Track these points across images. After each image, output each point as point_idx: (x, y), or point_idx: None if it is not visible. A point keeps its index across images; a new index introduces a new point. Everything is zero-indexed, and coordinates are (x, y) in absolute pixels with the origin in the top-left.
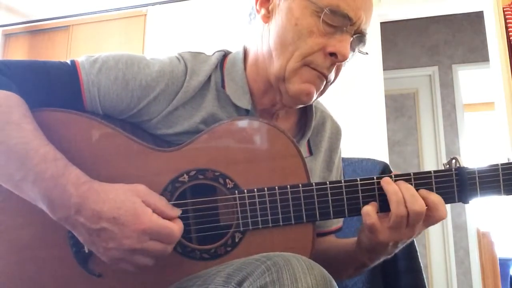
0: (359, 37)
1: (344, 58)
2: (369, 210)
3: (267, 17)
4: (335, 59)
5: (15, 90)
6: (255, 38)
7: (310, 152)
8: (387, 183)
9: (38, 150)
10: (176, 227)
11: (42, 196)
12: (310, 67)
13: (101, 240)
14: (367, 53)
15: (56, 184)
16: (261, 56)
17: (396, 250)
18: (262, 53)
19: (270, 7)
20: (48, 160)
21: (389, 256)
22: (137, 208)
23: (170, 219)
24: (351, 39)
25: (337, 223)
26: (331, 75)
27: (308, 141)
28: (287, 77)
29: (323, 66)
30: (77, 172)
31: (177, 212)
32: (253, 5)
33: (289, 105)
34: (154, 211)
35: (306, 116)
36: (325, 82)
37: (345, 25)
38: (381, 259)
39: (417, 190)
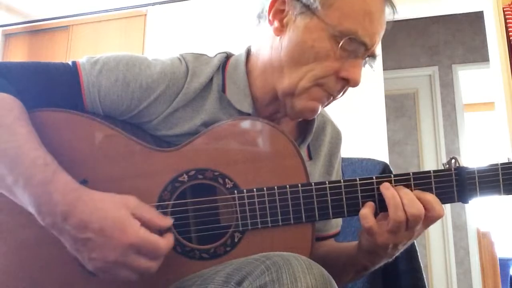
0: (371, 59)
1: (356, 84)
2: (367, 213)
3: (280, 31)
4: (347, 83)
5: (12, 92)
6: (264, 46)
7: (310, 157)
8: (386, 188)
9: (28, 155)
10: (163, 242)
11: (30, 201)
12: (321, 87)
13: (86, 249)
14: (374, 70)
15: (44, 190)
16: (269, 67)
17: (397, 253)
18: (271, 64)
19: (284, 21)
20: (38, 165)
21: (390, 259)
22: (124, 221)
23: (160, 229)
24: (363, 62)
25: (336, 227)
26: (339, 95)
27: (308, 145)
28: (297, 94)
29: (334, 89)
30: (66, 179)
31: (169, 221)
32: (263, 8)
33: (290, 117)
34: (142, 224)
35: (307, 121)
36: (331, 99)
37: (360, 51)
38: (383, 262)
39: (436, 189)
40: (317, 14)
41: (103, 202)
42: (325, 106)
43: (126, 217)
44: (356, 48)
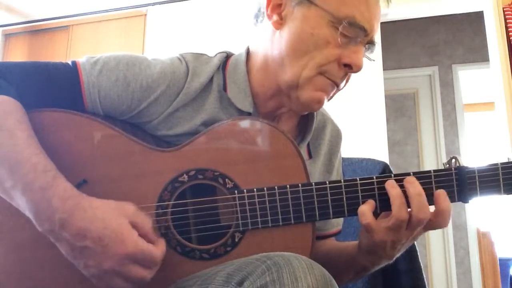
0: (370, 46)
1: (359, 69)
2: (365, 210)
3: (280, 24)
4: (349, 70)
5: (13, 94)
6: (263, 42)
7: (310, 156)
8: (392, 187)
9: (29, 160)
10: (158, 251)
11: (29, 206)
12: (324, 76)
13: (83, 256)
14: (374, 60)
15: (43, 196)
16: (271, 61)
17: (397, 254)
18: (272, 58)
19: (283, 14)
20: (38, 171)
21: (390, 261)
22: (123, 230)
23: (153, 242)
24: (364, 48)
25: (337, 226)
26: (342, 83)
27: (308, 144)
28: (301, 84)
29: (337, 76)
30: (65, 186)
31: (161, 242)
32: (260, 7)
33: (296, 111)
34: (140, 233)
35: (306, 119)
36: (335, 89)
37: (360, 36)
38: (382, 263)
39: (436, 189)
40: (314, 2)
41: (102, 210)
42: (330, 98)
43: (125, 226)
44: (355, 33)
